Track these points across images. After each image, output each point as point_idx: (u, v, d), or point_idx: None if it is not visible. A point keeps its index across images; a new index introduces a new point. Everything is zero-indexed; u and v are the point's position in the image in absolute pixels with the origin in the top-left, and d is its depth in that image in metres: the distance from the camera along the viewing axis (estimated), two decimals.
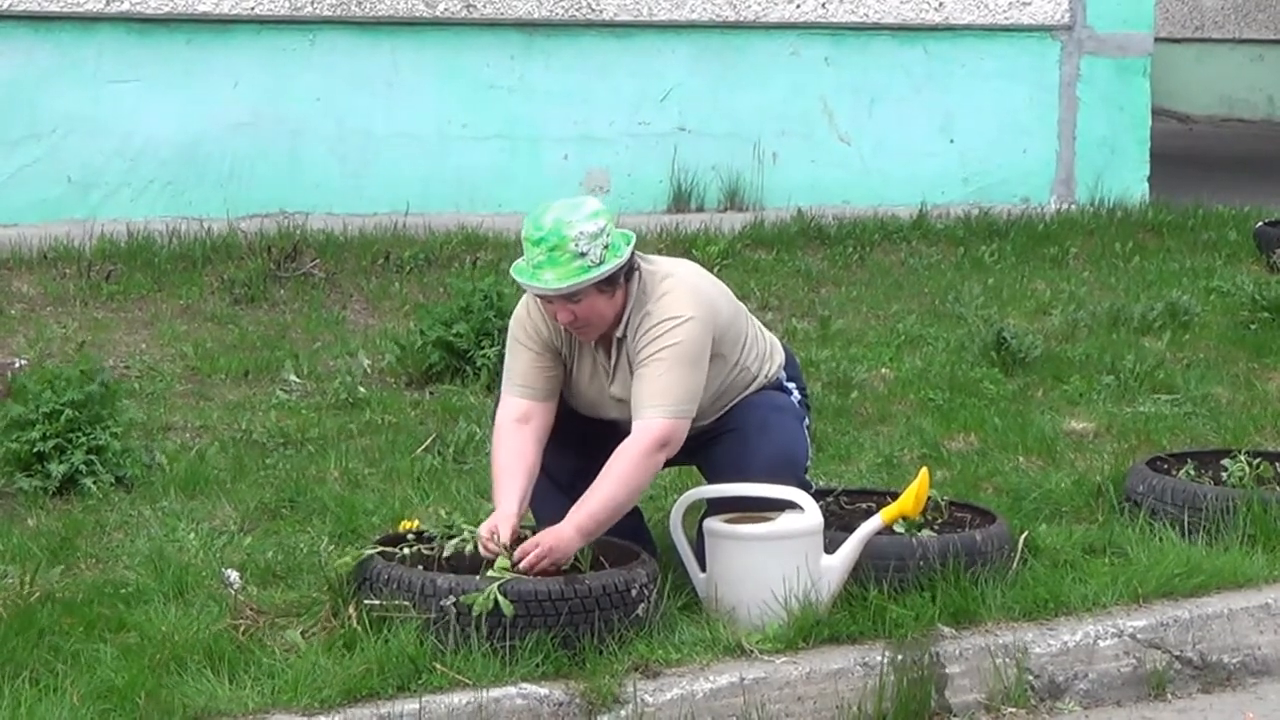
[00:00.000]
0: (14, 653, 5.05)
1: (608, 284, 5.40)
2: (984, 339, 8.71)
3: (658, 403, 5.40)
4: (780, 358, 5.85)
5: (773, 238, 11.02)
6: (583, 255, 5.33)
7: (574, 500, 5.58)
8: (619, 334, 5.50)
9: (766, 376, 5.77)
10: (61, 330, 8.57)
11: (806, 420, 5.85)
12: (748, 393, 5.71)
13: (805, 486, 5.68)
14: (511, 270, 5.46)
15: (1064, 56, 12.65)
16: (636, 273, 5.49)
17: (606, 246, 5.36)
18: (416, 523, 5.66)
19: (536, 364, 5.57)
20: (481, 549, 5.38)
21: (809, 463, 5.85)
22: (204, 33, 10.61)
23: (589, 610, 5.17)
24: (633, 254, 5.45)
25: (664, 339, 5.41)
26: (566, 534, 5.34)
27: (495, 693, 5.01)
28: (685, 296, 5.48)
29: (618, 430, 5.63)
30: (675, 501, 5.76)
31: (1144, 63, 12.92)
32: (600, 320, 5.45)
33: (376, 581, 5.23)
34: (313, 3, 10.79)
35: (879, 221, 11.54)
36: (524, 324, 5.59)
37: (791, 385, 5.86)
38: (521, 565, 5.30)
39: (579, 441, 5.67)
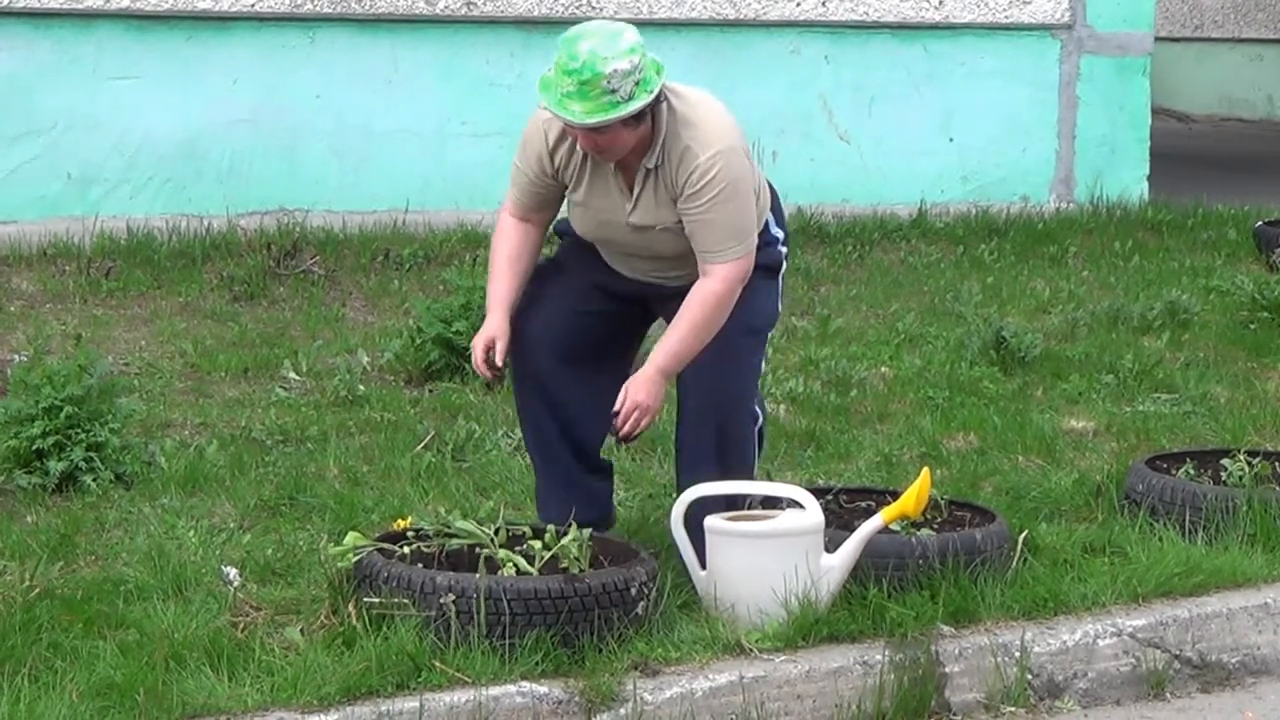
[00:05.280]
0: (13, 649, 5.04)
1: (635, 118, 5.39)
2: (983, 338, 8.71)
3: (728, 245, 5.47)
4: (767, 191, 5.82)
5: None
6: (613, 92, 5.30)
7: (572, 446, 5.72)
8: (651, 164, 5.48)
9: (760, 212, 5.72)
10: (61, 327, 8.57)
11: (783, 270, 5.86)
12: None
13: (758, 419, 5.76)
14: (538, 86, 5.43)
15: (1064, 55, 12.65)
16: (664, 103, 5.45)
17: (638, 82, 5.33)
18: (411, 519, 5.65)
19: (531, 189, 5.66)
20: (477, 369, 5.61)
21: (772, 329, 5.93)
22: (203, 30, 10.60)
23: (589, 609, 5.17)
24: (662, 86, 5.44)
25: (714, 183, 5.43)
26: (653, 378, 5.48)
27: (495, 691, 5.01)
28: (719, 128, 5.49)
29: (619, 368, 5.71)
30: (676, 499, 5.76)
31: (1144, 62, 12.92)
32: (621, 148, 5.44)
33: (376, 579, 5.23)
34: (312, 0, 10.79)
35: (878, 220, 11.55)
36: (525, 152, 5.63)
37: (778, 233, 5.83)
38: (624, 433, 5.48)
39: (582, 378, 5.73)
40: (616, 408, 5.51)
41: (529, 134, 5.65)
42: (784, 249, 5.86)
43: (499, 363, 5.61)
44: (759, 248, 5.69)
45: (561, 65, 5.34)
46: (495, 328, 5.64)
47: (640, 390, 5.51)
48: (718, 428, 5.70)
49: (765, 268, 5.74)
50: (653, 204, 5.52)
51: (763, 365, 5.91)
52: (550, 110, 5.41)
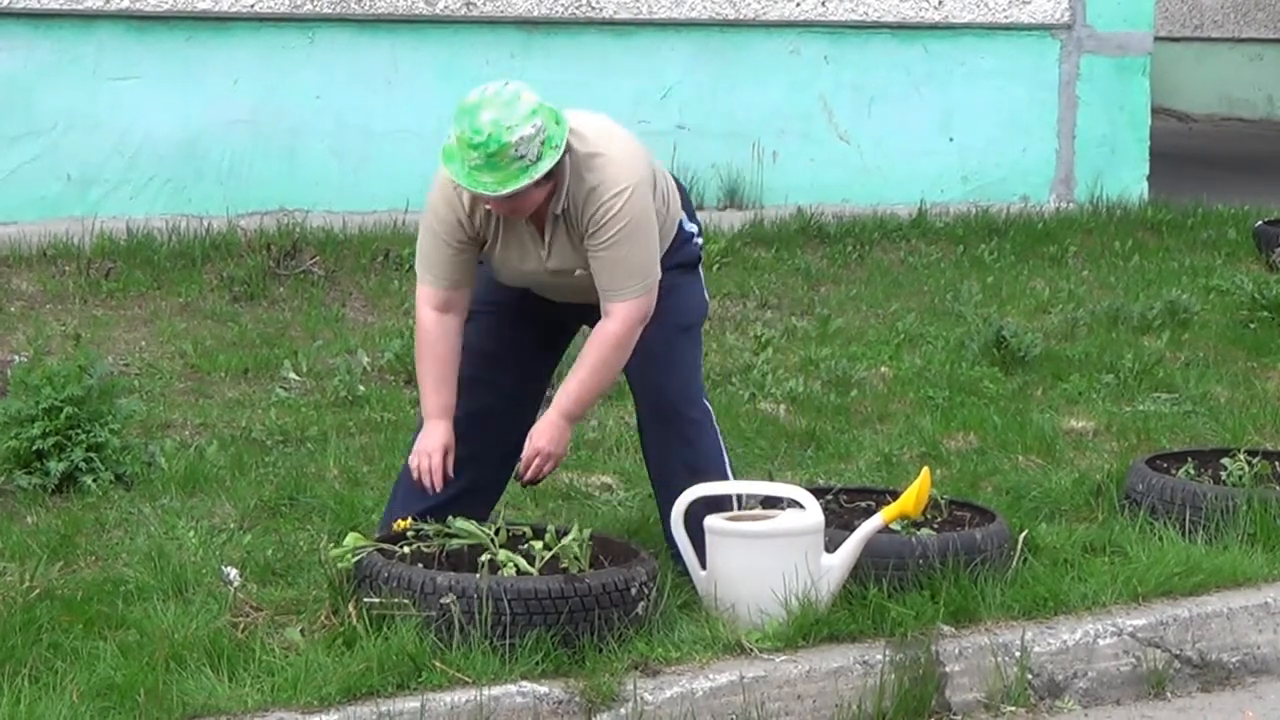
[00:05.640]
0: (14, 650, 5.04)
1: (545, 176, 5.36)
2: (983, 337, 8.71)
3: (627, 284, 5.44)
4: (675, 192, 5.78)
5: (772, 236, 11.03)
6: (521, 158, 5.26)
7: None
8: (557, 209, 5.44)
9: (672, 218, 5.72)
10: (61, 328, 8.57)
11: (701, 262, 5.85)
12: (667, 248, 5.68)
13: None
14: (441, 156, 5.36)
15: (1063, 55, 12.65)
16: (569, 153, 5.40)
17: (544, 142, 5.30)
18: (411, 520, 5.65)
19: (456, 259, 5.56)
20: (426, 479, 5.52)
21: (704, 321, 5.93)
22: (203, 30, 10.60)
23: (589, 609, 5.17)
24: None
25: (616, 219, 5.38)
26: (556, 423, 5.48)
27: (495, 691, 5.01)
28: (623, 163, 5.43)
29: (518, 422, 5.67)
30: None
31: (1143, 61, 12.92)
32: (533, 205, 5.40)
33: (376, 579, 5.23)
34: (312, 0, 10.79)
35: (878, 220, 11.55)
36: (442, 218, 5.51)
37: (692, 228, 5.82)
38: (526, 478, 5.47)
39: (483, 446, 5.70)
40: (526, 463, 5.53)
41: (441, 201, 5.53)
42: (699, 241, 5.87)
43: (452, 474, 5.58)
44: (677, 245, 5.71)
45: (465, 139, 5.28)
46: (445, 439, 5.58)
47: (543, 437, 5.52)
48: (674, 431, 5.76)
49: (685, 265, 5.77)
50: (567, 247, 5.51)
51: (701, 359, 5.93)
52: (460, 184, 5.35)
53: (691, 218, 5.85)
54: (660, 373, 5.71)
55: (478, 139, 5.25)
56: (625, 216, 5.39)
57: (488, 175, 5.28)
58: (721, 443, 5.86)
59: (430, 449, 5.58)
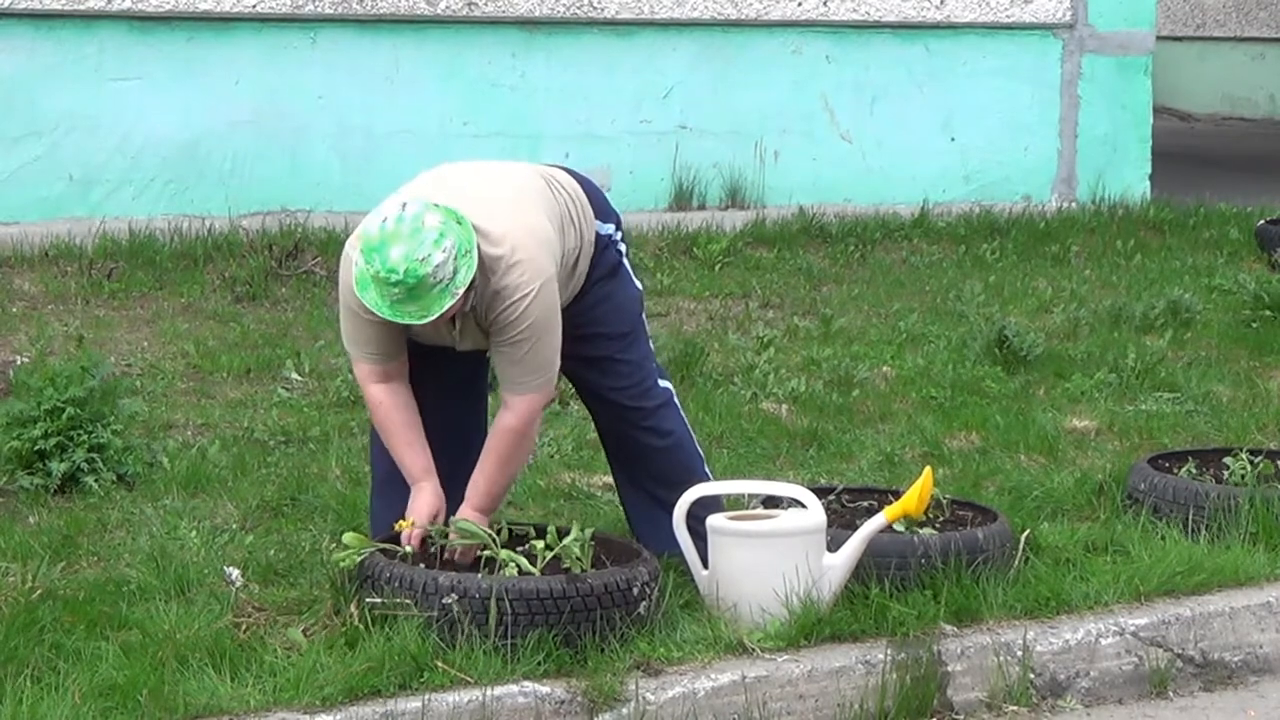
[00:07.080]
0: (15, 651, 5.04)
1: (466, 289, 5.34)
2: (985, 337, 8.71)
3: (527, 378, 5.43)
4: (584, 207, 5.72)
5: (774, 236, 11.03)
6: (440, 281, 5.22)
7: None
8: (466, 308, 5.41)
9: (590, 238, 5.69)
10: (63, 328, 8.57)
11: (624, 256, 5.83)
12: (588, 267, 5.69)
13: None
14: (356, 286, 5.29)
15: (1065, 55, 12.66)
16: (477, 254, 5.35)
17: (457, 257, 5.25)
18: (412, 521, 5.65)
19: (382, 333, 5.47)
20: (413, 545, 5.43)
21: (642, 308, 5.91)
22: (205, 31, 10.61)
23: (591, 609, 5.17)
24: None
25: (519, 321, 5.36)
26: (474, 518, 5.46)
27: (497, 690, 5.01)
28: (529, 261, 5.36)
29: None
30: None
31: (1145, 61, 12.93)
32: (455, 309, 5.34)
33: (378, 579, 5.23)
34: (314, 1, 10.80)
35: (880, 219, 11.56)
36: (359, 300, 5.40)
37: (608, 229, 5.78)
38: (453, 558, 5.45)
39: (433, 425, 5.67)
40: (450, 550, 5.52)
41: (358, 299, 5.39)
42: (617, 235, 5.82)
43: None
44: (597, 256, 5.71)
45: (380, 277, 5.22)
46: (437, 500, 5.53)
47: None
48: (634, 428, 5.81)
49: (609, 272, 5.76)
50: (478, 332, 5.51)
51: (649, 347, 5.93)
52: (383, 316, 5.29)
53: (606, 214, 5.80)
54: (612, 384, 5.77)
55: (394, 277, 5.21)
56: (529, 318, 5.36)
57: (411, 305, 5.24)
58: (688, 431, 5.93)
59: (416, 520, 5.50)
